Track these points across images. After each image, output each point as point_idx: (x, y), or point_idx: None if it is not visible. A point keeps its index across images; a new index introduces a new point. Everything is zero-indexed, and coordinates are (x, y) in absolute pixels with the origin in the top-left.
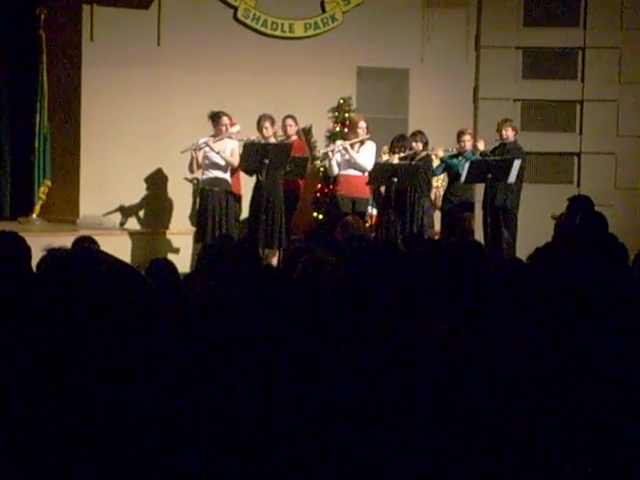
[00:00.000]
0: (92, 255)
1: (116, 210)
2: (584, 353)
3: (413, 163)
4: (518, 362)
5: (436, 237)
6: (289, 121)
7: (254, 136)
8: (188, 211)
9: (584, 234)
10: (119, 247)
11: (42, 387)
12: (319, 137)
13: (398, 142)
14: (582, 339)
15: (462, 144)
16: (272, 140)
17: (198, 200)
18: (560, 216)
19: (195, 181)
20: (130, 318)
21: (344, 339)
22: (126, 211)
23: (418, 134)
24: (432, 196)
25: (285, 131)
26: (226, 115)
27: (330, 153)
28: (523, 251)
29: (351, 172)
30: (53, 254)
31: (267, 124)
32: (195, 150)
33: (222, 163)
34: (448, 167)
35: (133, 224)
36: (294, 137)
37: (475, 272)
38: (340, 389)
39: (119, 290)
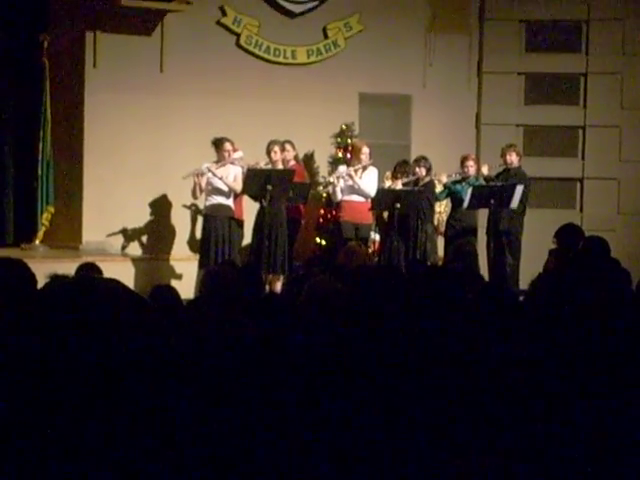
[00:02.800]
0: (95, 282)
1: (119, 236)
2: (585, 377)
3: (416, 189)
4: (519, 388)
5: (440, 263)
6: (287, 146)
7: (260, 161)
8: (190, 237)
9: (587, 259)
10: (122, 273)
11: (44, 410)
12: (321, 163)
13: (401, 168)
14: (584, 362)
15: (465, 169)
16: (279, 165)
17: (201, 226)
18: (553, 251)
19: (194, 207)
20: (133, 342)
21: (350, 364)
22: (129, 237)
23: (421, 160)
24: (435, 222)
25: (283, 156)
26: (229, 141)
27: (335, 180)
28: (526, 276)
29: (354, 198)
30: (57, 281)
31: (276, 149)
32: (197, 176)
33: (225, 189)
34: (451, 193)
35: (136, 250)
36: (292, 162)
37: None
38: (348, 412)
39: (122, 314)
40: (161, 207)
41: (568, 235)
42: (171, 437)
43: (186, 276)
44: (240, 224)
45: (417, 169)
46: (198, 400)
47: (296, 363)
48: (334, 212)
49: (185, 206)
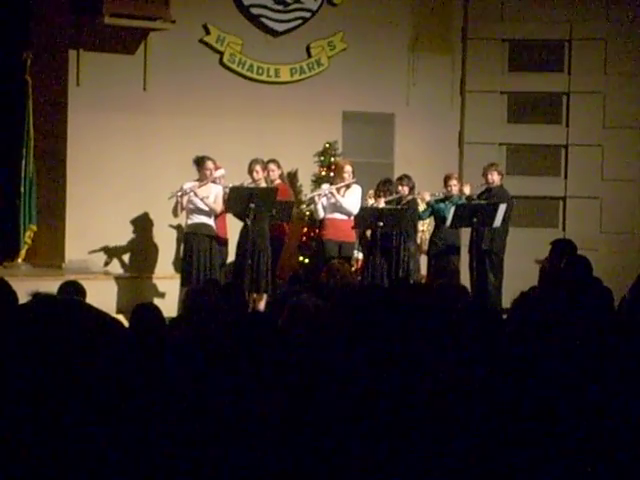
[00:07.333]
0: (74, 305)
1: (102, 254)
2: (570, 396)
3: (399, 207)
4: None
5: (422, 281)
6: (272, 166)
7: (241, 180)
8: (174, 255)
9: (569, 278)
10: (105, 291)
11: (23, 427)
12: (305, 181)
13: (384, 186)
14: (569, 381)
15: (449, 188)
16: (262, 184)
17: (183, 245)
18: (544, 260)
19: (180, 227)
20: (110, 368)
21: (332, 382)
22: (112, 255)
23: (404, 178)
24: (418, 240)
25: (268, 175)
26: (210, 159)
27: (316, 197)
28: (509, 295)
29: (337, 216)
30: (36, 301)
31: (258, 168)
32: (181, 196)
33: (206, 209)
34: (434, 211)
35: (119, 268)
36: (277, 181)
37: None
38: (331, 434)
39: (100, 340)
40: (144, 225)
41: (560, 250)
42: (150, 456)
43: (169, 294)
44: (223, 243)
45: (400, 187)
46: (179, 417)
47: (279, 381)
48: (317, 230)
49: (171, 226)
